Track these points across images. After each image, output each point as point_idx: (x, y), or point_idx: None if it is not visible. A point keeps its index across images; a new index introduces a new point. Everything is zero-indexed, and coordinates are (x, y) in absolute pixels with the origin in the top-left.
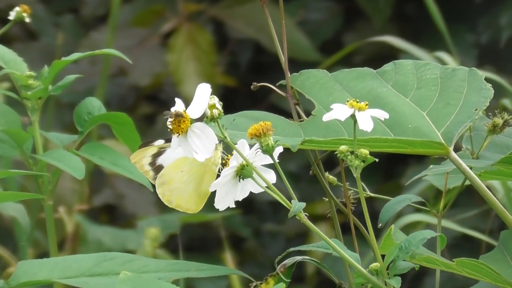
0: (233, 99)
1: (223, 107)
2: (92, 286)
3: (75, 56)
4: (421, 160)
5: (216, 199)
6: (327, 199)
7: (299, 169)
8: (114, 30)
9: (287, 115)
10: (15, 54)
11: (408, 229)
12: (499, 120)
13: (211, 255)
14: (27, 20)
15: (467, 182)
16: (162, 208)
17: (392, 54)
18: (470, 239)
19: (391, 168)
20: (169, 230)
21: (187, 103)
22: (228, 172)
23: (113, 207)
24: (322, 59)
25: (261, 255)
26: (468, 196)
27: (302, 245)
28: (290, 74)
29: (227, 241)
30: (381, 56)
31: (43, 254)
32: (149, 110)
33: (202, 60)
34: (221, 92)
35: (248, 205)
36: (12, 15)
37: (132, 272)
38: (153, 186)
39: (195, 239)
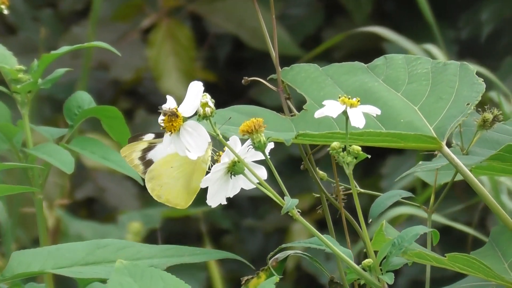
0: (213, 94)
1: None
2: (87, 276)
3: (64, 49)
4: (400, 152)
5: (208, 196)
6: (318, 195)
7: (278, 164)
8: (95, 24)
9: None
10: (4, 48)
11: (391, 222)
12: (489, 116)
13: None
14: (5, 12)
15: (457, 178)
16: (144, 202)
17: (372, 49)
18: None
19: (371, 160)
20: (150, 224)
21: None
22: (219, 168)
23: (93, 201)
24: (303, 54)
25: (239, 250)
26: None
27: (280, 240)
28: (270, 69)
29: (204, 235)
30: (361, 52)
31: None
32: (128, 105)
33: (181, 56)
34: None
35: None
36: None
37: (125, 259)
38: (143, 180)
39: (174, 233)
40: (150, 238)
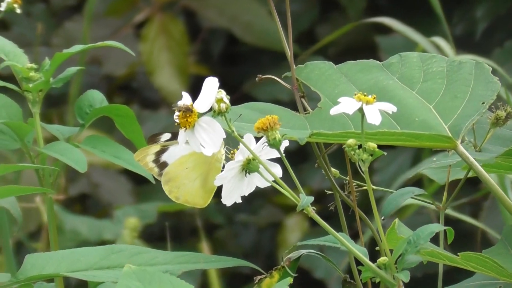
0: None
1: (195, 97)
2: (101, 280)
3: (77, 48)
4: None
5: (223, 195)
6: (330, 191)
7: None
8: (90, 20)
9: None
10: (15, 46)
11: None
12: (502, 113)
13: (186, 244)
14: (18, 11)
15: (459, 176)
16: (138, 197)
17: (367, 45)
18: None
19: None
20: (146, 219)
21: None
22: (234, 166)
23: (87, 196)
24: (297, 50)
25: (232, 245)
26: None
27: (273, 235)
28: (264, 64)
29: (200, 231)
30: (356, 48)
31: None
32: (121, 99)
33: (174, 50)
34: (194, 81)
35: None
36: (3, 6)
37: (140, 265)
38: (156, 179)
39: (168, 228)
40: (146, 233)
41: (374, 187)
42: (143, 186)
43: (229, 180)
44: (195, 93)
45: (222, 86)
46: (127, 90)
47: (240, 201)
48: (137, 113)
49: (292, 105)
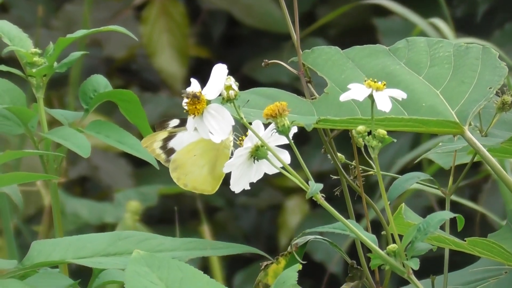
0: (206, 71)
1: (197, 78)
2: (107, 267)
3: (80, 33)
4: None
5: (231, 181)
6: (336, 177)
7: None
8: (90, 2)
9: (261, 86)
10: (20, 31)
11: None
12: (508, 98)
13: (186, 227)
14: None
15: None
16: (138, 180)
17: (366, 27)
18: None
19: None
20: (146, 202)
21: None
22: (242, 152)
23: (86, 179)
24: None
25: (232, 227)
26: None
27: (274, 217)
28: (263, 46)
29: (200, 213)
30: (355, 30)
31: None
32: (121, 82)
33: (175, 32)
34: (194, 63)
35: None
36: None
37: (147, 251)
38: (160, 165)
39: (167, 211)
40: (146, 215)
41: (382, 172)
42: (142, 169)
43: (238, 167)
44: (195, 75)
45: None
46: (127, 72)
47: (249, 187)
48: (138, 95)
49: (292, 88)
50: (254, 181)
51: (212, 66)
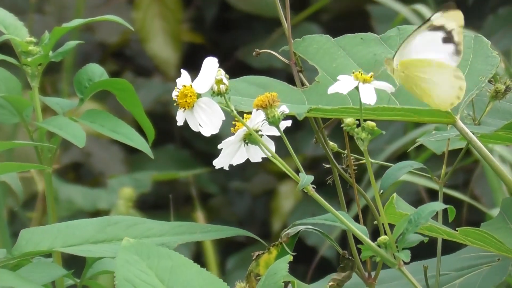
0: (199, 56)
1: (189, 65)
2: (96, 255)
3: (76, 22)
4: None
5: (220, 156)
6: (328, 165)
7: None
8: None
9: (255, 71)
10: (15, 19)
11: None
12: (501, 86)
13: (180, 213)
14: None
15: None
16: (130, 166)
17: (359, 12)
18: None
19: None
20: (140, 189)
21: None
22: (241, 133)
23: (79, 165)
24: (291, 16)
25: (226, 212)
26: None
27: (267, 202)
28: (257, 31)
29: (194, 199)
30: (348, 15)
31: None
32: (115, 67)
33: (168, 18)
34: (187, 49)
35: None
36: None
37: (136, 237)
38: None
39: (161, 197)
40: (139, 201)
41: (373, 160)
42: (135, 155)
43: (229, 145)
44: (188, 61)
45: (215, 53)
46: (120, 58)
47: (227, 168)
48: (131, 80)
49: (286, 72)
50: (234, 164)
51: (205, 51)
